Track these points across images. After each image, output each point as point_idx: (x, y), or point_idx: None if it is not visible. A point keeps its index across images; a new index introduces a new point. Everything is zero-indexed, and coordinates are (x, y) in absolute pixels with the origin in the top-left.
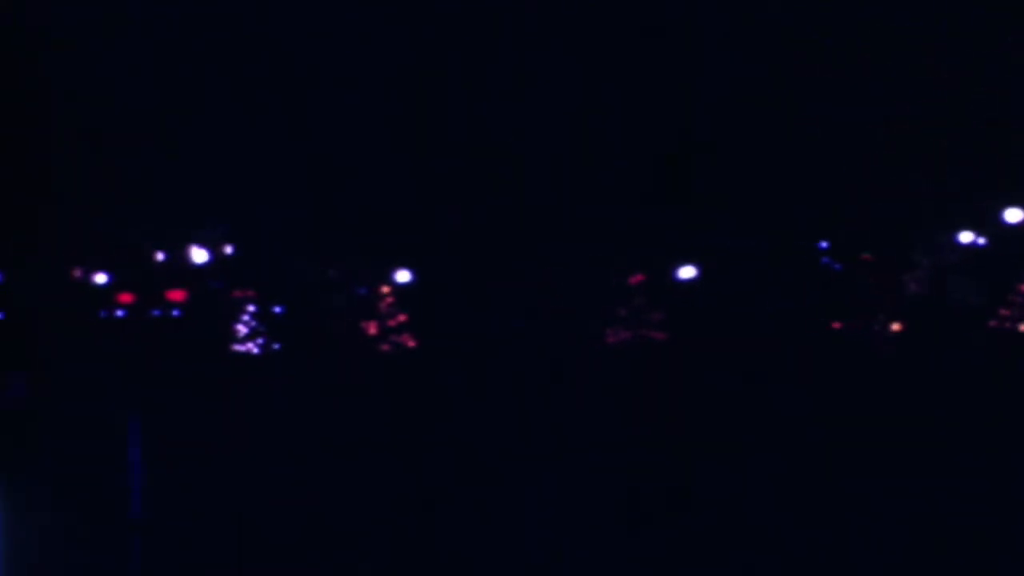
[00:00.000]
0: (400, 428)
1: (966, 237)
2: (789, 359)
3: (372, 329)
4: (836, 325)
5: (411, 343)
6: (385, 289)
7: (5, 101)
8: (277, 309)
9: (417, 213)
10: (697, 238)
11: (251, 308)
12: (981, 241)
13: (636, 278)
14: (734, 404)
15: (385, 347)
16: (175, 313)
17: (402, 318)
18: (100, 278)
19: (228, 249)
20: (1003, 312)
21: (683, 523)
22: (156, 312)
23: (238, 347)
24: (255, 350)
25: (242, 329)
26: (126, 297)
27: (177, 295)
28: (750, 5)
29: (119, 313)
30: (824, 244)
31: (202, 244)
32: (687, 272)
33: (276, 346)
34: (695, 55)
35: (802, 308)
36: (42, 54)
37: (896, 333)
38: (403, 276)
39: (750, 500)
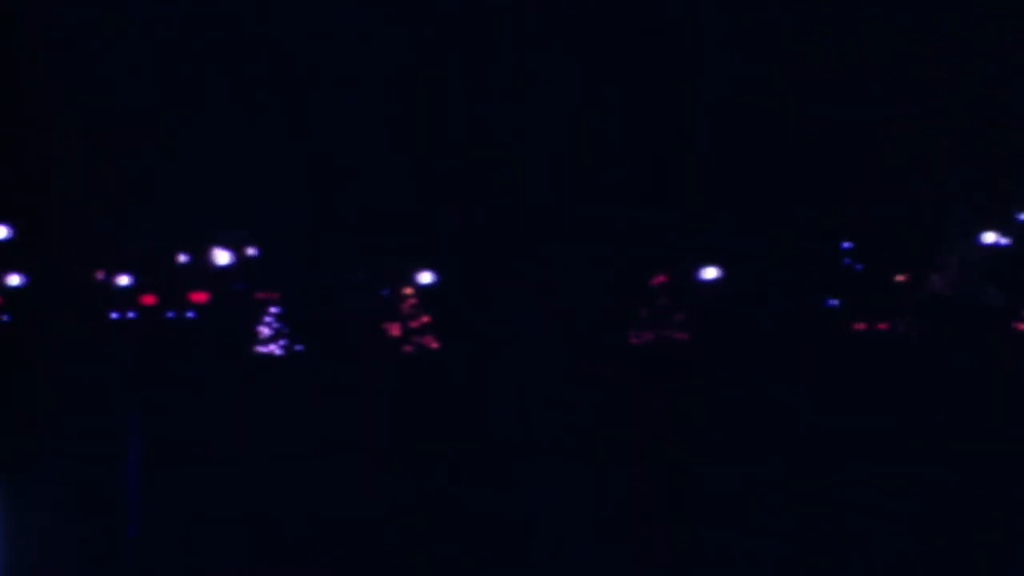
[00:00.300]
0: (403, 429)
1: (988, 237)
2: (792, 358)
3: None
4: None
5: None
6: (404, 291)
7: (4, 101)
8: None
9: (417, 213)
10: (697, 238)
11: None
12: (1002, 241)
13: (657, 279)
14: (741, 404)
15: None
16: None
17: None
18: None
19: (243, 253)
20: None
21: (690, 524)
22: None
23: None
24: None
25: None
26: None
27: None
28: (750, 5)
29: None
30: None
31: (221, 246)
32: (709, 273)
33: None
34: (695, 55)
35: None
36: (42, 54)
37: (908, 333)
38: (425, 278)
39: (757, 501)
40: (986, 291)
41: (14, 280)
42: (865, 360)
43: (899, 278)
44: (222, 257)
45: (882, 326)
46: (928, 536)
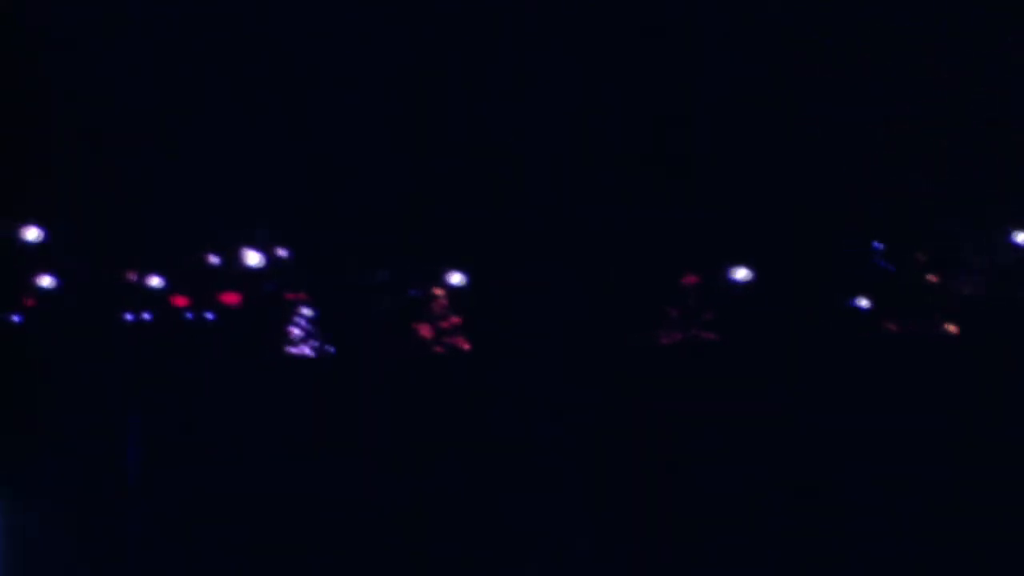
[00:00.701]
0: (404, 431)
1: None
2: (804, 359)
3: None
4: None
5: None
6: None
7: (3, 101)
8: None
9: (417, 213)
10: (698, 238)
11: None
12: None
13: (690, 279)
14: (744, 404)
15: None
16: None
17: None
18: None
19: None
20: None
21: (697, 526)
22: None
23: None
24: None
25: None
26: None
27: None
28: (750, 5)
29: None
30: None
31: (252, 247)
32: (741, 274)
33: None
34: (695, 55)
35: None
36: (49, 54)
37: (935, 334)
38: (456, 278)
39: (771, 503)
40: (1015, 292)
41: (45, 282)
42: (890, 361)
43: (931, 278)
44: (252, 258)
45: (910, 327)
46: (951, 540)
